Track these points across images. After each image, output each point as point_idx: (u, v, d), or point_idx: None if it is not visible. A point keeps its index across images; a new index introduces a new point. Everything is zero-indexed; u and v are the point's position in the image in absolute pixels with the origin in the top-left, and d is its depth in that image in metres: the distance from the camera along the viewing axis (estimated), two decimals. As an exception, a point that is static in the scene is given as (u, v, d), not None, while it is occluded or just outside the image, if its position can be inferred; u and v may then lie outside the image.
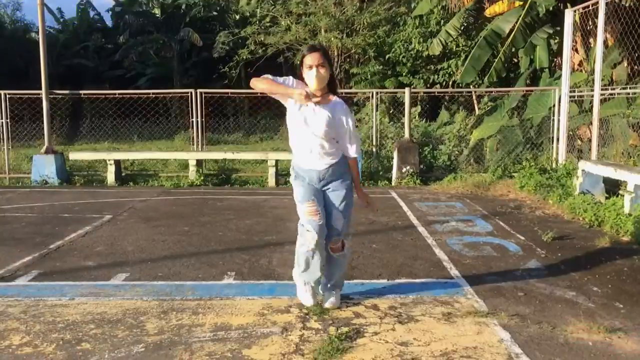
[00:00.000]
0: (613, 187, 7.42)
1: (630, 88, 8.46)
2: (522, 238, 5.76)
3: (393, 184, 9.66)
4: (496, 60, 12.34)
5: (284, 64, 25.80)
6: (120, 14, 32.12)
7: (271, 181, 9.68)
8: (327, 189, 3.74)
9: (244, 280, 4.47)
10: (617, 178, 6.77)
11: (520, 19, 11.27)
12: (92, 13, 35.32)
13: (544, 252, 5.20)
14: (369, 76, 20.63)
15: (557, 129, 9.65)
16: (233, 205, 7.87)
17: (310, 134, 3.60)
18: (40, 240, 5.81)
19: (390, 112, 15.34)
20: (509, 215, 6.93)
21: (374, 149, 10.18)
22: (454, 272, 4.65)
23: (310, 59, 3.53)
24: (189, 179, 9.87)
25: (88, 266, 4.88)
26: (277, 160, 9.76)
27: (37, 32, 35.22)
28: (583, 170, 7.60)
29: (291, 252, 5.31)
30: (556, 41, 13.45)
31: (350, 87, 21.31)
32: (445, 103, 19.60)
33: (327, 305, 3.77)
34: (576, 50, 13.31)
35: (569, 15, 9.30)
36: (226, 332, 3.40)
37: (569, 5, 12.41)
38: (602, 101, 9.26)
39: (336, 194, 3.73)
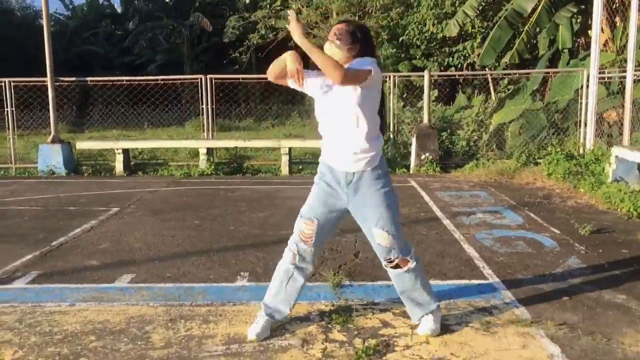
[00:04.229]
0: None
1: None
2: (557, 232, 5.35)
3: (411, 171, 9.24)
4: (518, 40, 11.83)
5: (294, 49, 25.37)
6: (130, -1, 31.67)
7: (284, 169, 9.30)
8: (356, 195, 3.02)
9: (259, 282, 4.10)
10: (657, 165, 6.33)
11: (545, -5, 10.70)
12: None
13: (583, 248, 4.79)
14: (382, 60, 20.13)
15: (584, 112, 9.15)
16: (245, 196, 7.51)
17: (332, 118, 2.97)
18: (43, 236, 5.49)
19: (404, 96, 14.86)
20: (539, 206, 6.50)
21: (391, 135, 9.75)
22: (487, 271, 4.26)
23: (332, 32, 2.95)
24: (200, 168, 9.51)
25: (91, 266, 4.55)
26: (290, 148, 9.36)
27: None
28: (616, 157, 7.14)
29: (308, 248, 4.97)
30: (579, 20, 12.88)
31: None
32: (460, 86, 19.07)
33: (422, 332, 3.11)
34: (601, 29, 12.74)
35: (598, -8, 8.74)
36: (240, 346, 3.04)
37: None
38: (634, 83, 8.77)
39: (369, 200, 2.99)
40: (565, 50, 12.68)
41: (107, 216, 6.35)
